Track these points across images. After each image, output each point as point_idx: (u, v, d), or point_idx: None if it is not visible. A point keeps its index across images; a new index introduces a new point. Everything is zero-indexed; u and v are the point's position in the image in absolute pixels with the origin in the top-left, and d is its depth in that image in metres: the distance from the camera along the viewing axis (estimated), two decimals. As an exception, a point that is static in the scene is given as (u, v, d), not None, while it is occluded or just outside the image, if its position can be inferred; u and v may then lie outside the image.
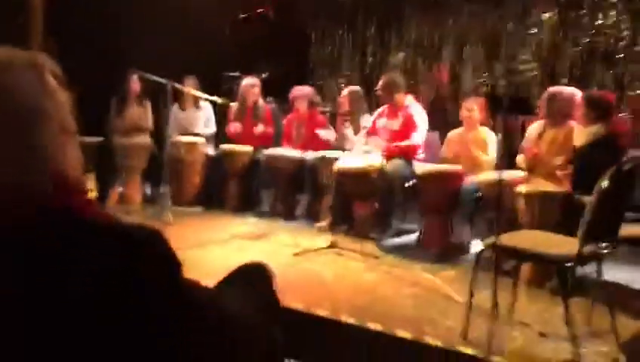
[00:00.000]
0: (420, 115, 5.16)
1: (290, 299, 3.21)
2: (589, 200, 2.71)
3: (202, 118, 6.35)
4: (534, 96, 6.23)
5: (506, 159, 4.53)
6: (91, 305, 0.97)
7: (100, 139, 5.95)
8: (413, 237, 4.94)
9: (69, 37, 6.03)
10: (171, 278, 1.03)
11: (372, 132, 5.28)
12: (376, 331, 2.97)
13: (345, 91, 5.65)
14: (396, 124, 5.19)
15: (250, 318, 1.40)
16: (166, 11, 6.48)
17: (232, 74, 6.84)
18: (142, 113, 6.14)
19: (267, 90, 6.64)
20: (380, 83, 5.30)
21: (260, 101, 6.16)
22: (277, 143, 6.14)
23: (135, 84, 6.06)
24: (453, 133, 5.19)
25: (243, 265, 1.70)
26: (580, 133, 3.96)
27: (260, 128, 5.99)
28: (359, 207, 5.00)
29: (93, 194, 5.87)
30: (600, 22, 6.23)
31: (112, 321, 0.98)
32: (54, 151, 1.06)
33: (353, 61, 7.94)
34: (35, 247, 0.98)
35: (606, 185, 2.60)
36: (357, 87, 5.81)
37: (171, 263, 1.05)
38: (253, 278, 1.65)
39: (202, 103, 6.33)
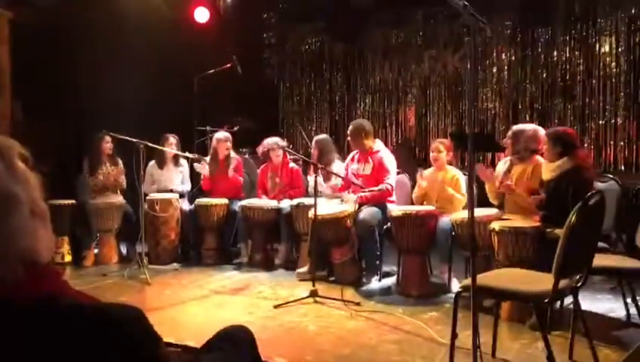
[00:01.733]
0: (389, 159, 5.25)
1: (274, 352, 3.19)
2: (560, 233, 2.77)
3: (180, 176, 6.36)
4: (499, 133, 6.42)
5: (478, 197, 4.63)
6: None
7: (73, 201, 5.91)
8: (392, 280, 4.96)
9: (38, 99, 6.06)
10: (151, 356, 1.04)
11: (347, 180, 5.34)
12: (362, 380, 2.95)
13: (317, 140, 5.73)
14: (368, 169, 5.26)
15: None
16: (136, 70, 6.55)
17: (203, 128, 6.89)
18: (115, 172, 6.12)
19: (240, 141, 6.70)
20: (349, 129, 5.39)
21: (232, 154, 6.20)
22: (252, 194, 6.17)
23: (107, 144, 6.07)
24: (425, 173, 5.27)
25: (224, 329, 1.70)
26: (547, 168, 4.07)
27: (230, 172, 6.00)
28: (337, 252, 5.01)
29: (67, 257, 5.80)
30: (555, 59, 6.48)
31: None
32: (26, 236, 1.06)
33: (322, 109, 8.09)
34: (10, 334, 0.98)
35: (574, 221, 2.67)
36: (324, 136, 5.91)
37: (151, 341, 1.06)
38: (235, 342, 1.65)
39: (181, 161, 6.36)
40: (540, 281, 2.82)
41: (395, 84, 7.54)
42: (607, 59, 6.21)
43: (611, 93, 6.16)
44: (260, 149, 6.04)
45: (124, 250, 6.16)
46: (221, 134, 6.23)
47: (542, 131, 4.35)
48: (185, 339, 3.37)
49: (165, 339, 1.15)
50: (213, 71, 6.88)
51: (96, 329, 1.00)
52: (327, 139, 5.79)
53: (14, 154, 1.11)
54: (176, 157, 6.29)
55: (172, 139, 6.18)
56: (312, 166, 5.14)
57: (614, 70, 6.15)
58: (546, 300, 2.72)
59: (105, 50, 6.62)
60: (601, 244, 3.60)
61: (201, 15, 7.39)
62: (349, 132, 5.38)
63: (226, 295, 4.70)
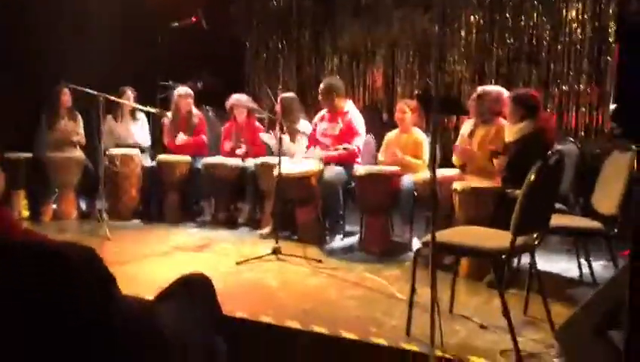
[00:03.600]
0: (359, 120, 5.24)
1: (234, 307, 3.19)
2: (520, 194, 2.81)
3: (138, 130, 6.23)
4: (464, 96, 6.45)
5: (441, 158, 4.67)
6: (26, 326, 0.95)
7: (30, 154, 5.75)
8: (354, 238, 5.00)
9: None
10: (105, 294, 1.02)
11: (313, 138, 5.31)
12: (322, 334, 2.98)
13: (282, 98, 5.66)
14: (337, 129, 5.24)
15: (188, 330, 1.39)
16: (98, 22, 6.33)
17: (166, 83, 6.73)
18: (73, 126, 5.96)
19: (204, 98, 6.57)
20: (321, 87, 5.33)
21: (194, 110, 6.09)
22: (215, 151, 6.08)
23: (65, 96, 5.89)
24: (389, 136, 5.29)
25: (182, 277, 1.68)
26: (509, 131, 4.12)
27: (179, 139, 5.91)
28: (301, 212, 5.01)
29: (24, 212, 5.66)
30: (522, 23, 6.50)
31: (48, 340, 0.95)
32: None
33: (289, 68, 7.98)
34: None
35: (534, 179, 2.71)
36: (290, 94, 5.83)
37: (104, 279, 1.03)
38: (192, 289, 1.64)
39: (139, 115, 6.22)
40: (498, 238, 2.87)
41: (364, 45, 7.46)
42: (574, 25, 6.24)
43: (575, 60, 6.22)
44: (227, 104, 5.94)
45: (83, 205, 6.03)
46: (182, 90, 6.10)
47: (506, 94, 4.38)
48: (144, 293, 3.32)
49: (124, 293, 1.12)
50: (177, 24, 6.68)
51: (47, 266, 0.97)
52: (293, 97, 5.72)
53: None
54: (133, 111, 6.15)
55: (129, 92, 6.02)
56: (277, 124, 5.09)
57: (580, 37, 6.20)
58: (503, 256, 2.78)
59: (67, 0, 6.36)
60: (558, 206, 3.68)
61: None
62: (320, 89, 5.32)
63: (187, 251, 4.68)
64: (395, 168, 4.85)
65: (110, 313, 1.03)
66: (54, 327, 0.97)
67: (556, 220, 3.18)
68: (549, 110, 6.13)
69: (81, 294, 1.00)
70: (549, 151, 3.67)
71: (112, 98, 5.41)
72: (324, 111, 5.43)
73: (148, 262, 4.33)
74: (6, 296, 0.95)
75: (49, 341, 0.98)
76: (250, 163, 5.54)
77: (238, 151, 5.76)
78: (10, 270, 0.97)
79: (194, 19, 6.72)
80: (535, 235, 2.95)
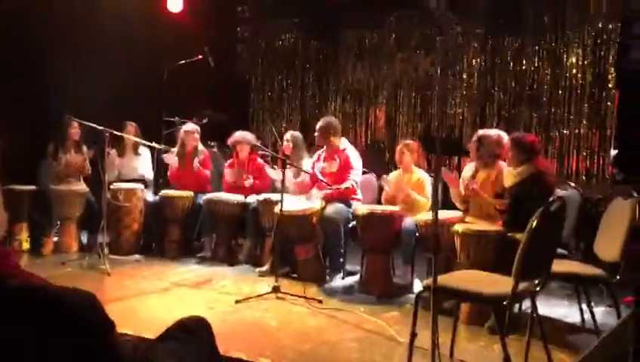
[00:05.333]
0: (354, 156, 5.28)
1: (233, 347, 3.16)
2: (521, 238, 2.81)
3: (141, 164, 6.27)
4: (466, 138, 6.51)
5: (442, 199, 4.68)
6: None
7: (33, 187, 5.78)
8: (355, 278, 4.98)
9: (5, 84, 5.89)
10: (102, 340, 1.02)
11: (313, 179, 5.34)
12: (321, 377, 2.95)
13: (287, 136, 5.70)
14: (334, 167, 5.28)
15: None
16: (105, 57, 6.42)
17: (172, 119, 6.79)
18: (79, 160, 5.98)
19: (209, 135, 6.63)
20: (318, 126, 5.39)
21: (200, 147, 6.13)
22: (219, 188, 6.10)
23: (74, 129, 5.92)
24: (391, 176, 5.32)
25: (180, 320, 1.68)
26: (509, 174, 4.14)
27: (195, 166, 5.95)
28: (301, 250, 5.00)
29: (25, 244, 5.65)
30: (524, 68, 6.60)
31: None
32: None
33: (293, 106, 8.07)
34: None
35: (535, 226, 2.71)
36: (297, 133, 5.87)
37: (101, 324, 1.04)
38: (191, 332, 1.63)
39: (141, 149, 6.27)
40: (499, 284, 2.86)
41: (367, 85, 7.57)
42: (574, 70, 6.34)
43: (576, 104, 6.29)
44: (230, 141, 5.98)
45: (84, 239, 6.03)
46: (189, 126, 6.16)
47: (506, 137, 4.41)
48: (143, 331, 3.31)
49: (123, 331, 1.13)
50: (184, 62, 6.78)
51: (46, 311, 0.98)
52: (300, 135, 5.76)
53: None
54: (135, 146, 6.20)
55: (130, 127, 6.07)
56: (280, 161, 5.14)
57: (580, 82, 6.29)
58: (504, 302, 2.76)
59: (74, 35, 6.47)
60: (559, 251, 3.67)
61: (174, 5, 7.28)
62: (317, 128, 5.38)
63: (187, 288, 4.66)
64: (396, 208, 4.86)
65: (107, 359, 1.03)
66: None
67: (558, 266, 3.17)
68: (549, 154, 6.18)
69: (81, 341, 1.00)
70: (550, 196, 3.71)
71: (117, 133, 5.46)
72: (321, 151, 5.48)
73: (147, 298, 4.31)
74: (5, 341, 0.95)
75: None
76: (253, 199, 5.55)
77: (247, 183, 5.77)
78: (6, 311, 0.97)
79: (200, 56, 6.83)
80: (537, 281, 2.93)
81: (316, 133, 5.38)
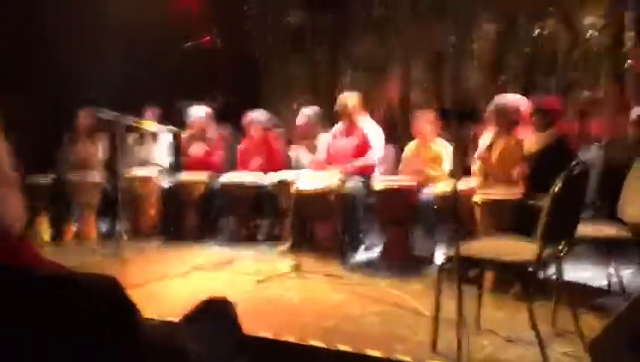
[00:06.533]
0: (375, 133, 5.21)
1: (257, 327, 3.15)
2: (543, 204, 2.76)
3: (159, 150, 6.26)
4: (482, 105, 6.39)
5: (460, 169, 4.61)
6: (47, 360, 0.93)
7: (52, 177, 5.81)
8: (375, 253, 4.95)
9: (19, 73, 5.91)
10: (128, 325, 1.00)
11: (328, 157, 5.30)
12: (346, 352, 2.94)
13: (301, 112, 5.64)
14: (353, 143, 5.23)
15: (211, 353, 1.37)
16: (114, 42, 6.39)
17: (184, 102, 6.75)
18: (92, 148, 6.01)
19: (221, 116, 6.59)
20: (339, 101, 5.32)
21: (211, 127, 6.10)
22: (232, 169, 6.07)
23: (83, 119, 5.93)
24: (408, 149, 5.26)
25: (203, 301, 1.66)
26: (531, 140, 4.06)
27: (200, 152, 5.91)
28: (320, 227, 4.98)
29: (46, 233, 5.70)
30: (537, 32, 6.44)
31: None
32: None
33: (304, 82, 7.98)
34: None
35: (559, 190, 2.65)
36: (311, 108, 5.79)
37: (126, 310, 1.01)
38: (215, 313, 1.61)
39: (160, 134, 6.24)
40: (523, 250, 2.81)
41: (380, 57, 7.45)
42: (590, 31, 6.17)
43: (594, 66, 6.14)
44: (243, 121, 5.95)
45: (103, 226, 6.06)
46: (199, 108, 6.12)
47: (523, 102, 4.32)
48: (167, 315, 3.32)
49: (147, 316, 1.11)
50: (190, 44, 6.72)
51: (69, 299, 0.96)
52: (315, 112, 5.68)
53: None
54: (154, 132, 6.18)
55: (150, 112, 6.05)
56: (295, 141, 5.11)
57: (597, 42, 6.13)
58: (530, 269, 2.72)
59: (84, 22, 6.44)
60: (585, 214, 3.60)
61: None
62: (337, 103, 5.31)
63: (208, 270, 4.66)
64: (413, 182, 4.79)
65: (134, 343, 1.01)
66: (78, 356, 0.95)
67: (583, 229, 3.11)
68: (570, 117, 6.06)
69: (104, 325, 0.98)
70: (572, 161, 3.63)
71: (133, 122, 5.40)
72: (338, 126, 5.42)
73: (169, 282, 4.32)
74: (27, 328, 0.94)
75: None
76: (268, 180, 5.52)
77: (255, 163, 5.74)
78: (31, 302, 0.96)
79: (207, 38, 6.76)
80: (561, 245, 2.88)
81: (337, 108, 5.32)
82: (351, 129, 5.26)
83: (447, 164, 4.97)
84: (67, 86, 6.25)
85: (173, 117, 6.59)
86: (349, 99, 5.30)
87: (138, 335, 1.03)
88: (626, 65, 5.88)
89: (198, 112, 6.08)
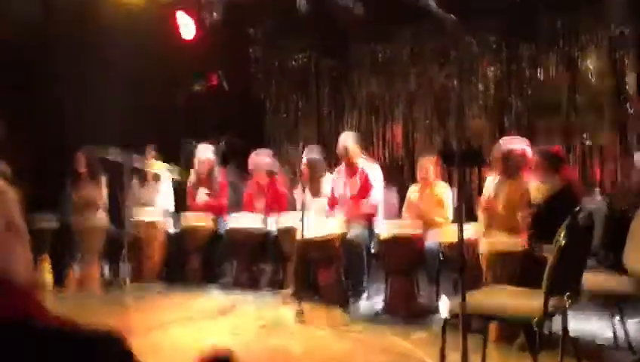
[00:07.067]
0: (375, 174, 5.23)
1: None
2: (547, 253, 2.74)
3: (162, 193, 6.25)
4: (486, 147, 6.41)
5: (464, 212, 4.59)
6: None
7: (55, 221, 5.78)
8: (379, 300, 4.90)
9: (21, 116, 5.96)
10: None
11: (332, 199, 5.32)
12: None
13: (304, 160, 5.66)
14: (354, 185, 5.24)
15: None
16: (120, 84, 6.48)
17: (189, 141, 6.79)
18: (95, 190, 5.96)
19: (226, 157, 6.63)
20: (340, 145, 5.35)
21: (216, 170, 6.12)
22: (237, 210, 6.05)
23: (80, 162, 5.92)
24: (411, 192, 5.26)
25: (208, 355, 1.65)
26: (539, 188, 4.05)
27: (200, 197, 5.94)
28: (323, 273, 4.95)
29: (48, 277, 5.66)
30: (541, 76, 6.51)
31: None
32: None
33: (308, 125, 8.05)
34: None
35: (564, 240, 2.64)
36: (315, 155, 5.76)
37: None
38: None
39: (162, 176, 6.24)
40: (528, 301, 2.78)
41: (382, 101, 7.53)
42: (591, 76, 6.23)
43: (596, 111, 6.17)
44: (249, 162, 5.96)
45: (106, 270, 6.03)
46: (204, 149, 6.13)
47: (529, 148, 4.33)
48: (168, 363, 3.29)
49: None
50: (199, 87, 6.82)
51: (72, 354, 0.96)
52: (318, 158, 5.66)
53: None
54: (156, 174, 6.19)
55: (151, 151, 6.04)
56: (299, 183, 5.12)
57: (598, 88, 6.17)
58: (535, 320, 2.68)
59: (89, 64, 6.54)
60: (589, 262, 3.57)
61: (187, 32, 7.33)
62: (339, 147, 5.34)
63: (210, 317, 4.61)
64: (418, 230, 4.77)
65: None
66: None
67: (588, 281, 3.08)
68: (571, 162, 6.07)
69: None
70: (577, 207, 3.62)
71: (138, 165, 5.42)
72: (340, 169, 5.44)
73: (172, 329, 4.27)
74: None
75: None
76: (273, 226, 5.50)
77: (259, 206, 5.75)
78: (32, 353, 0.95)
79: (214, 80, 6.86)
80: (566, 296, 2.85)
81: (339, 152, 5.35)
82: (352, 169, 5.28)
83: (451, 209, 4.96)
84: (71, 128, 6.30)
85: (177, 158, 6.63)
86: (348, 139, 5.33)
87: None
88: (629, 110, 5.92)
89: (206, 152, 6.10)
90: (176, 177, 5.96)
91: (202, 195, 5.96)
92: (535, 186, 4.08)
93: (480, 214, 4.52)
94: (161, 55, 6.90)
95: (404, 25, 7.14)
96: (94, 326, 1.06)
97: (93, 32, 6.49)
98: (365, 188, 5.17)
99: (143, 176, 6.19)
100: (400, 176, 7.08)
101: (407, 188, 5.45)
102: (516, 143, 4.53)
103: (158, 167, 5.94)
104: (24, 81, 6.19)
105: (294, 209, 5.60)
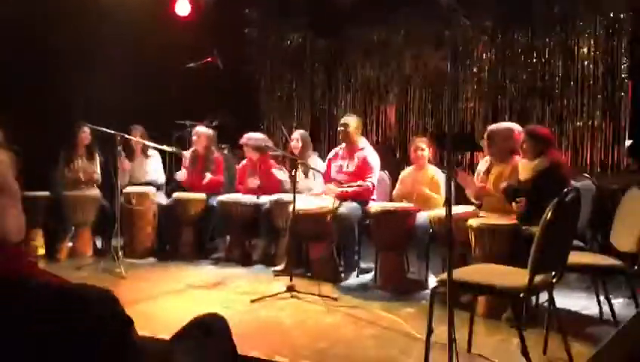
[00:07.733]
0: (374, 158, 5.26)
1: (249, 347, 3.16)
2: (536, 231, 2.79)
3: (151, 167, 6.29)
4: (478, 132, 6.46)
5: (456, 195, 4.65)
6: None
7: (48, 193, 5.80)
8: (369, 276, 4.96)
9: (14, 90, 5.93)
10: (121, 337, 1.02)
11: (328, 175, 5.35)
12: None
13: (295, 135, 5.71)
14: (351, 166, 5.26)
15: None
16: (115, 62, 6.46)
17: (182, 122, 6.81)
18: (90, 165, 6.01)
19: (220, 137, 6.64)
20: (341, 122, 5.37)
21: (212, 149, 6.14)
22: (230, 190, 6.10)
23: (84, 135, 5.95)
24: (404, 173, 5.31)
25: (197, 317, 1.68)
26: (524, 168, 4.09)
27: (207, 178, 5.97)
28: (315, 249, 5.00)
29: (41, 250, 5.68)
30: (535, 60, 6.53)
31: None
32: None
33: (302, 105, 8.06)
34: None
35: (550, 217, 2.68)
36: (304, 131, 5.88)
37: (121, 322, 1.03)
38: (208, 330, 1.63)
39: (150, 152, 6.27)
40: (515, 276, 2.83)
41: (377, 83, 7.54)
42: (586, 62, 6.26)
43: (589, 96, 6.21)
44: (241, 142, 5.99)
45: (99, 243, 6.07)
46: (201, 129, 6.16)
47: (516, 129, 4.37)
48: (159, 332, 3.31)
49: (139, 333, 1.13)
50: (193, 65, 6.81)
51: (65, 309, 0.98)
52: (307, 134, 5.80)
53: None
54: (144, 149, 6.21)
55: (136, 130, 6.06)
56: (290, 161, 5.13)
57: (592, 72, 6.21)
58: (521, 295, 2.74)
59: (83, 41, 6.51)
60: (576, 243, 3.63)
61: (182, 8, 7.32)
62: (340, 125, 5.36)
63: (202, 289, 4.67)
64: (409, 205, 4.84)
65: (127, 357, 1.03)
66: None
67: (574, 258, 3.14)
68: (563, 146, 6.12)
69: (99, 337, 1.00)
70: (565, 188, 3.67)
71: (129, 137, 5.48)
72: (338, 148, 5.47)
73: (163, 300, 4.32)
74: (22, 335, 0.96)
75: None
76: (265, 200, 5.55)
77: (251, 184, 5.78)
78: (27, 310, 0.98)
79: (209, 59, 6.85)
80: (553, 273, 2.91)
81: (340, 129, 5.36)
82: (352, 151, 5.30)
83: (443, 190, 5.00)
84: (64, 104, 6.28)
85: (170, 136, 6.64)
86: (350, 121, 5.36)
87: (132, 348, 1.04)
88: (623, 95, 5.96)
89: (203, 128, 6.12)
90: (171, 151, 5.97)
91: (208, 177, 5.96)
92: (522, 165, 4.11)
93: (469, 193, 4.57)
94: (156, 32, 6.87)
95: (400, 6, 7.13)
96: (85, 283, 1.08)
97: (88, 9, 6.45)
98: (362, 169, 5.20)
99: (131, 151, 6.21)
100: (392, 157, 7.11)
101: (400, 170, 5.48)
102: (504, 126, 4.56)
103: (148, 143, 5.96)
104: (18, 59, 6.14)
105: (285, 191, 5.63)
